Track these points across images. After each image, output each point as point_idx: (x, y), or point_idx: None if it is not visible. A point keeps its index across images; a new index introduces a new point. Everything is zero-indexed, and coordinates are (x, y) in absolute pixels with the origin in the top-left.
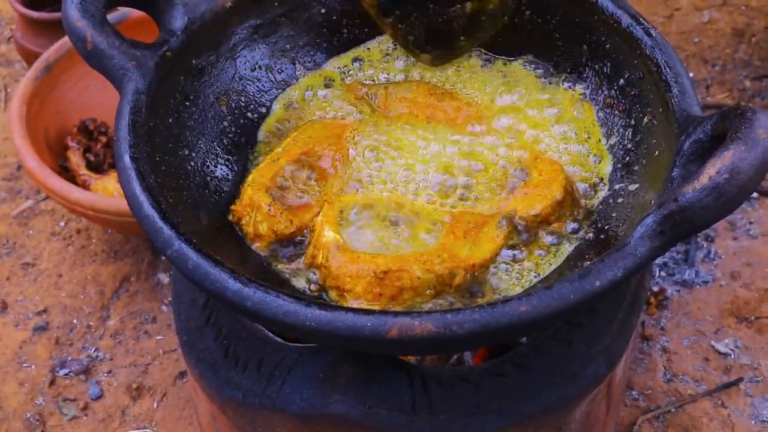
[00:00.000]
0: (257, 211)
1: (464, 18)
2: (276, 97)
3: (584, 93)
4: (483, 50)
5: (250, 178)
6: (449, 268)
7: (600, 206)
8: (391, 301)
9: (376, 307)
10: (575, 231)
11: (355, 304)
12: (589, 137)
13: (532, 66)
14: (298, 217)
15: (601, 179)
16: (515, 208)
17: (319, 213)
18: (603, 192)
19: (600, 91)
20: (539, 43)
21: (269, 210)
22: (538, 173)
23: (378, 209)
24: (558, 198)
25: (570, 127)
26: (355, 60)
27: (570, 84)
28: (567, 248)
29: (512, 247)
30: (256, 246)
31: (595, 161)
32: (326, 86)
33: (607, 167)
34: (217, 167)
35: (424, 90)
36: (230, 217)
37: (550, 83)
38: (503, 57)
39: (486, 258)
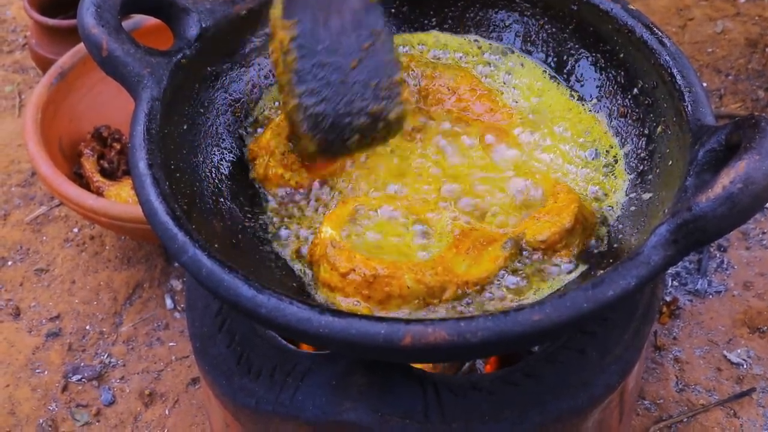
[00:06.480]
0: (271, 156)
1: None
2: None
3: (598, 102)
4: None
5: (274, 122)
6: (441, 281)
7: (609, 231)
8: (379, 305)
9: (364, 310)
10: (575, 267)
11: (344, 303)
12: (608, 149)
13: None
14: (312, 172)
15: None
16: (524, 231)
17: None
18: (616, 213)
19: (614, 100)
20: (553, 51)
21: (283, 157)
22: (554, 200)
23: (390, 213)
24: (567, 227)
25: (583, 136)
26: None
27: (584, 93)
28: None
29: (513, 271)
30: (263, 187)
31: (607, 171)
32: None
33: (621, 180)
34: (230, 174)
35: (468, 81)
36: (246, 155)
37: (563, 92)
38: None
39: (482, 277)
